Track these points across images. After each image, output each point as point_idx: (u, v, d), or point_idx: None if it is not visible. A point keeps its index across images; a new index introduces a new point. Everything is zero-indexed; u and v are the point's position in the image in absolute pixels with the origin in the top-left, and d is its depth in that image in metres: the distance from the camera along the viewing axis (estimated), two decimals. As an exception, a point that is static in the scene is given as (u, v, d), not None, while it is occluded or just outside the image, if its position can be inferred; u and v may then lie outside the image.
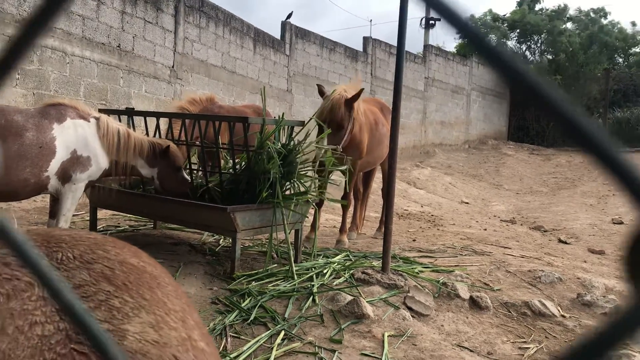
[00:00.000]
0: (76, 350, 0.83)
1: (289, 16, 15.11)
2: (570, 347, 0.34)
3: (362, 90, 5.99)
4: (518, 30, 29.26)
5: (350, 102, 5.76)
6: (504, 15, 30.10)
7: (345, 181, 6.26)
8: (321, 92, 6.14)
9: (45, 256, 1.01)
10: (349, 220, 6.81)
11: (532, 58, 28.25)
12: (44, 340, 0.84)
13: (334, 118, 5.64)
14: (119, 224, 6.48)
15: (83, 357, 0.82)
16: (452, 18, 0.36)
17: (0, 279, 0.92)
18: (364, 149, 6.22)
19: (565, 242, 8.40)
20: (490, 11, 30.96)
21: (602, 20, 29.89)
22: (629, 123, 26.29)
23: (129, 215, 6.54)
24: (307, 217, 5.55)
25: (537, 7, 29.82)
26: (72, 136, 4.31)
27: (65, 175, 4.31)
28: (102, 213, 6.49)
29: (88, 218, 6.01)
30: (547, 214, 11.82)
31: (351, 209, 6.96)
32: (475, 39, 0.36)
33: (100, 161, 4.49)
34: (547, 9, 29.96)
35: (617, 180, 0.33)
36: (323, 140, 5.48)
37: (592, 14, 29.99)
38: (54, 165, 4.21)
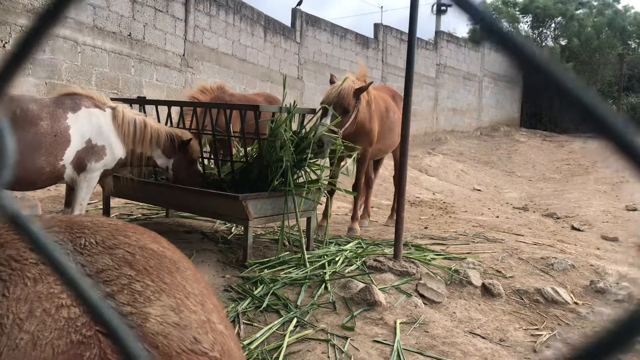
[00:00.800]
0: (101, 332, 0.85)
1: (300, 3, 15.04)
2: (589, 339, 0.34)
3: (371, 83, 6.04)
4: (531, 15, 28.91)
5: (357, 93, 5.79)
6: None
7: (356, 169, 6.27)
8: (332, 82, 6.15)
9: (69, 242, 1.03)
10: (361, 208, 6.80)
11: (545, 43, 27.92)
12: (70, 322, 0.86)
13: (340, 102, 5.67)
14: (132, 212, 6.53)
15: (108, 339, 0.84)
16: (464, 4, 0.36)
17: (27, 263, 0.94)
18: (375, 136, 6.21)
19: (579, 229, 8.35)
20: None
21: (616, 4, 29.49)
22: (616, 112, 26.00)
23: (141, 204, 6.58)
24: (320, 204, 5.56)
25: None
26: (86, 125, 4.34)
27: (80, 165, 4.34)
28: (114, 202, 6.54)
29: (101, 207, 6.07)
30: (560, 201, 11.75)
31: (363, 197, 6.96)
32: (487, 25, 0.36)
33: (116, 150, 4.51)
34: None
35: (634, 167, 0.33)
36: (327, 123, 5.50)
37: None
38: (69, 154, 4.24)
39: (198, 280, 1.11)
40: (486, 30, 0.36)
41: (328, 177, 5.65)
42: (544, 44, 28.05)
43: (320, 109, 5.71)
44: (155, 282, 0.99)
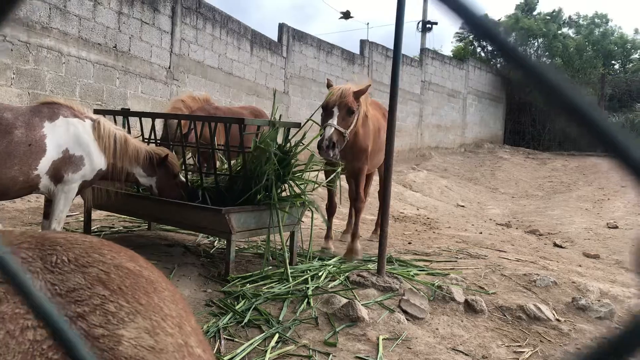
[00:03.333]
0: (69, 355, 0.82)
1: (347, 16, 14.94)
2: (585, 353, 0.33)
3: (369, 85, 5.85)
4: (514, 34, 29.34)
5: (357, 95, 5.62)
6: (499, 20, 30.22)
7: (355, 187, 6.17)
8: (329, 85, 6.04)
9: (39, 259, 0.99)
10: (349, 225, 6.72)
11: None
12: (35, 345, 0.82)
13: (344, 101, 5.51)
14: (113, 225, 6.46)
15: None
16: (468, 16, 0.35)
17: None
18: (369, 155, 6.07)
19: (561, 246, 8.41)
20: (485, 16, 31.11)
21: (604, 25, 30.10)
22: (623, 128, 26.44)
23: (123, 217, 6.51)
24: (304, 220, 5.52)
25: (535, 12, 29.98)
26: (63, 135, 4.25)
27: (57, 175, 4.26)
28: (96, 214, 6.46)
29: (82, 219, 5.99)
30: (543, 218, 11.84)
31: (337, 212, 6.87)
32: (497, 42, 0.35)
33: (95, 161, 4.43)
34: (543, 13, 30.11)
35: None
36: (335, 123, 5.40)
37: (596, 19, 30.18)
38: (45, 164, 4.15)
39: (176, 301, 1.07)
40: (493, 44, 0.35)
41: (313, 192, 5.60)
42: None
43: (305, 122, 5.63)
44: (130, 302, 0.95)
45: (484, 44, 30.32)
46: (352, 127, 5.56)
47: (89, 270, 0.98)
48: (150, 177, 4.88)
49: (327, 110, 5.56)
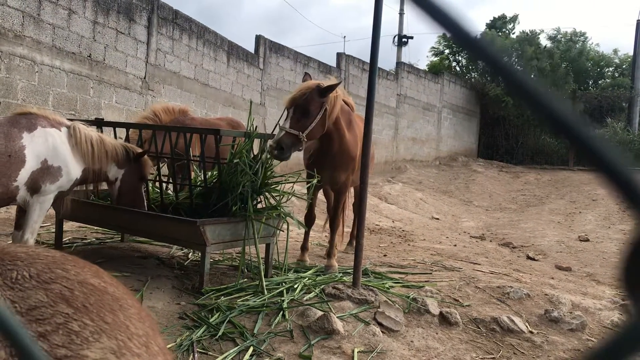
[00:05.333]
0: None
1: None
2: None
3: (339, 82, 5.45)
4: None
5: (325, 91, 5.26)
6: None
7: (335, 200, 6.08)
8: (304, 81, 5.84)
9: None
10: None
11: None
12: None
13: (300, 101, 5.20)
14: (85, 236, 6.34)
15: None
16: (457, 31, 0.35)
17: None
18: (356, 165, 5.74)
19: (533, 259, 8.51)
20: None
21: (581, 43, 30.83)
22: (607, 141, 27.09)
23: (95, 228, 6.40)
24: (282, 231, 5.47)
25: (509, 26, 30.49)
26: (42, 145, 4.21)
27: (34, 186, 4.20)
28: (68, 225, 6.34)
29: (54, 230, 5.87)
30: (516, 231, 11.98)
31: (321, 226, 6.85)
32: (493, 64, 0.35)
33: (72, 171, 4.39)
34: (519, 31, 30.70)
35: (628, 198, 0.32)
36: (287, 126, 5.15)
37: (574, 37, 30.88)
38: (24, 175, 4.10)
39: (143, 319, 1.04)
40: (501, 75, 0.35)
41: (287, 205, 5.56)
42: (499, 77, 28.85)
43: (275, 127, 5.52)
44: (95, 321, 0.92)
45: (459, 58, 30.76)
46: (311, 127, 5.22)
47: (52, 286, 0.95)
48: (118, 170, 4.82)
49: (287, 111, 5.32)
